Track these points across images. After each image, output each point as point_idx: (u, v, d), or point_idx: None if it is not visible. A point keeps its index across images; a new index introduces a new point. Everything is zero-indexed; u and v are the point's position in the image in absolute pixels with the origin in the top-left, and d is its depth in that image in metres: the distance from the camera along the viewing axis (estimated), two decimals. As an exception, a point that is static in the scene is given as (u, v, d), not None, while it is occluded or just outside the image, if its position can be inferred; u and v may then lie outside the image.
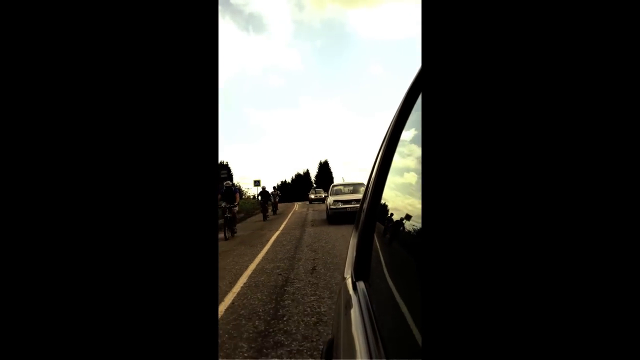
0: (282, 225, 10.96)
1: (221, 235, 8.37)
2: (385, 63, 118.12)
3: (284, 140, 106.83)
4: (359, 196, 10.18)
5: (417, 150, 0.64)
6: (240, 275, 4.70)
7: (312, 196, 24.38)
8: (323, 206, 16.48)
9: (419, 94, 0.71)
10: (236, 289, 4.06)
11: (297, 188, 51.90)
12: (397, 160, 0.86)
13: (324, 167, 57.40)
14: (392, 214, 0.73)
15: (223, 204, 8.57)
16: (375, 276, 0.77)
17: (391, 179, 0.87)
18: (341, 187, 12.47)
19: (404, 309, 0.48)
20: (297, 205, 23.68)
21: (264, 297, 3.67)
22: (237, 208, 9.37)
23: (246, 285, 4.18)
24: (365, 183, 1.38)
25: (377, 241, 0.84)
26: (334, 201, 10.69)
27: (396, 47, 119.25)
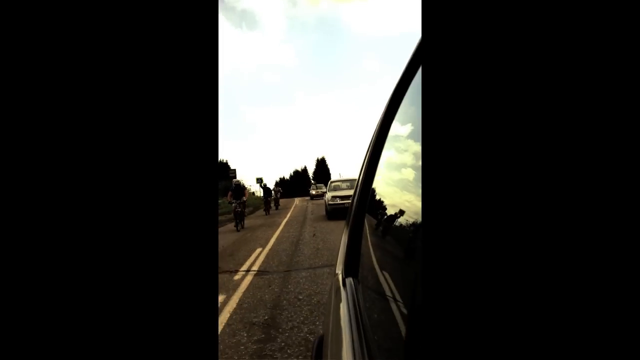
0: (289, 214, 14.14)
1: (233, 226, 10.19)
2: (380, 58, 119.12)
3: (281, 137, 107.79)
4: (356, 191, 10.96)
5: (405, 145, 0.65)
6: (270, 238, 8.06)
7: (313, 192, 23.86)
8: (322, 201, 17.39)
9: (407, 89, 0.72)
10: (269, 245, 7.16)
11: (296, 184, 53.99)
12: (385, 156, 0.86)
13: (322, 164, 58.65)
14: (380, 210, 0.73)
15: (233, 200, 9.92)
16: (364, 272, 0.78)
17: (379, 175, 0.87)
18: (339, 183, 12.85)
19: (391, 304, 0.48)
20: (297, 200, 26.02)
21: (287, 245, 6.90)
22: (245, 203, 10.69)
23: (276, 242, 7.39)
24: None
25: (366, 237, 0.85)
26: (332, 197, 11.14)
27: (391, 42, 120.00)
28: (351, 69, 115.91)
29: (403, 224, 0.52)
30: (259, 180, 26.19)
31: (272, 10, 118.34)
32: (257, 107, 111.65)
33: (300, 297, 3.64)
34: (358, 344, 0.55)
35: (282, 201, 22.24)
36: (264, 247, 6.89)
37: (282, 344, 2.66)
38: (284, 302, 3.56)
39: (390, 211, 0.63)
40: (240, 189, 10.36)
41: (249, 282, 4.44)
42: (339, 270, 1.01)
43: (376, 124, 1.01)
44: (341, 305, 0.77)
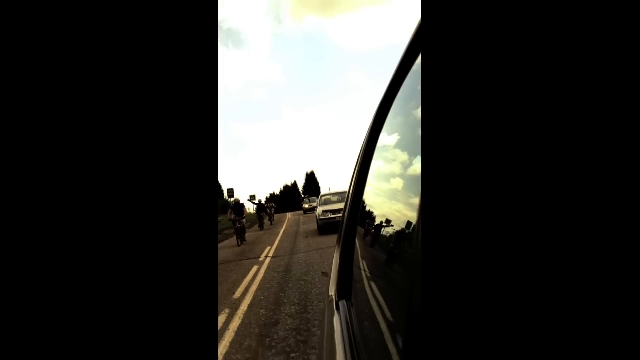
0: (284, 226, 16.85)
1: (234, 242, 11.15)
2: (366, 70, 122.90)
3: (270, 153, 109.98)
4: (348, 204, 10.79)
5: (394, 155, 0.65)
6: (275, 239, 11.17)
7: (307, 206, 22.42)
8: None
9: (394, 100, 0.73)
10: (276, 243, 10.27)
11: (286, 199, 53.45)
12: (374, 167, 0.85)
13: (311, 178, 58.70)
14: (372, 224, 0.72)
15: (234, 217, 10.83)
16: (357, 294, 0.76)
17: (369, 186, 0.87)
18: (330, 197, 12.69)
19: (385, 328, 0.47)
20: (289, 215, 28.04)
21: (289, 241, 10.20)
22: (245, 219, 11.41)
23: (280, 240, 10.71)
24: None
25: (358, 254, 0.84)
26: (324, 211, 10.95)
27: (376, 54, 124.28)
28: (337, 82, 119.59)
29: (395, 237, 0.50)
30: (252, 198, 24.19)
31: (258, 29, 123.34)
32: (246, 123, 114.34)
33: (300, 262, 6.82)
34: None
35: (275, 216, 23.55)
36: (272, 246, 9.96)
37: (294, 276, 5.81)
38: (292, 265, 6.72)
39: (381, 224, 0.61)
40: (240, 206, 11.19)
41: (269, 260, 7.57)
42: (332, 292, 0.99)
43: (364, 135, 1.01)
44: (334, 329, 0.76)
